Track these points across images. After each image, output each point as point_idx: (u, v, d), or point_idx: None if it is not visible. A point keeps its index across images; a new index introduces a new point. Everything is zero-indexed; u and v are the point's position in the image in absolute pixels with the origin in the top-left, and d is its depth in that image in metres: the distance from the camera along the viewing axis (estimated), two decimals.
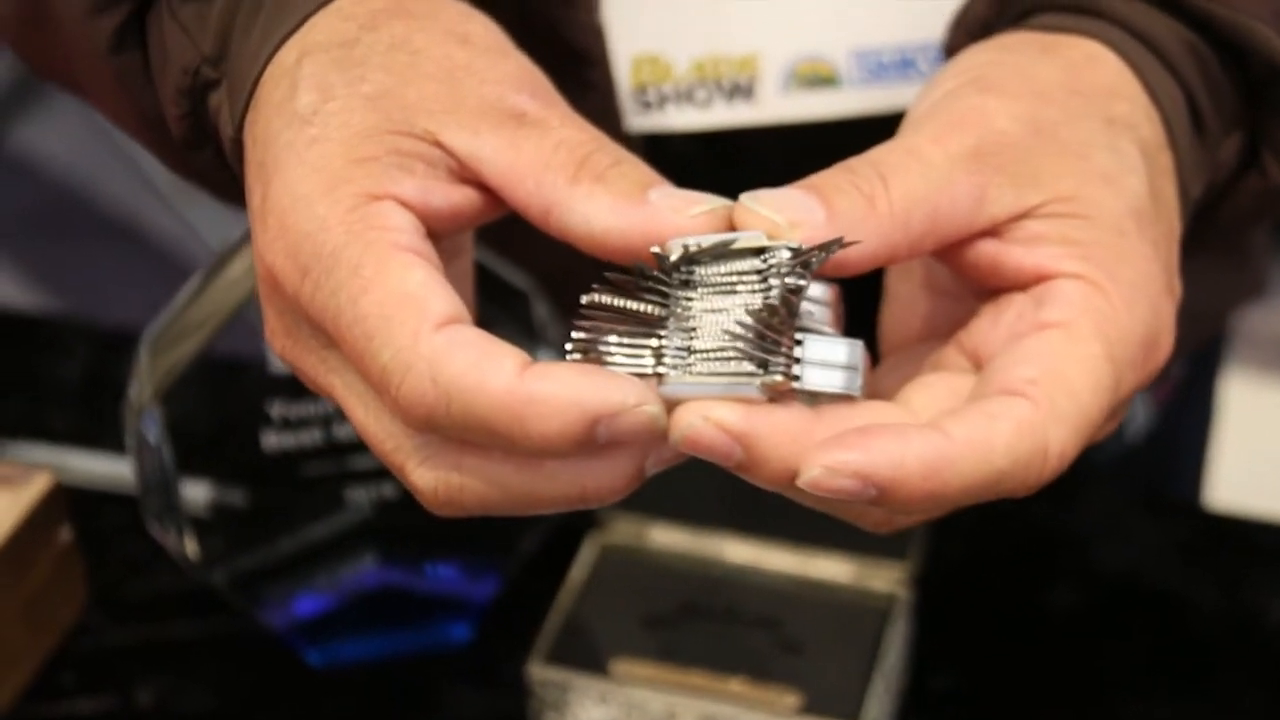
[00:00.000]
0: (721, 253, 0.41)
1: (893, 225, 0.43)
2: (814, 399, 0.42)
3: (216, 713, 0.70)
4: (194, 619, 0.73)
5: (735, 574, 0.68)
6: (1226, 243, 0.53)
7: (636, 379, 0.40)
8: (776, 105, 0.60)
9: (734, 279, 0.41)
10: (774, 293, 0.41)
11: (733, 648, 0.66)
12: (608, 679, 0.65)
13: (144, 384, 0.64)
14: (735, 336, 0.40)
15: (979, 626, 0.73)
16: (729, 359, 0.41)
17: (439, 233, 0.44)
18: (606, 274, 0.42)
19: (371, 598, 0.69)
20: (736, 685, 0.65)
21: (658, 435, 0.41)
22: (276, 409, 0.65)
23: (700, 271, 0.42)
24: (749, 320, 0.40)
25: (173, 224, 1.77)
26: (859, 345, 0.42)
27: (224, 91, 0.48)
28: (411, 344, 0.40)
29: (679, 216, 0.42)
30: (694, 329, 0.41)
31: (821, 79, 0.60)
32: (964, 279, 0.47)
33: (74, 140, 2.04)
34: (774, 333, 0.40)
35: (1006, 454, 0.41)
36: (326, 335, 0.43)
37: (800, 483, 0.40)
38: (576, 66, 0.61)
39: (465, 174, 0.44)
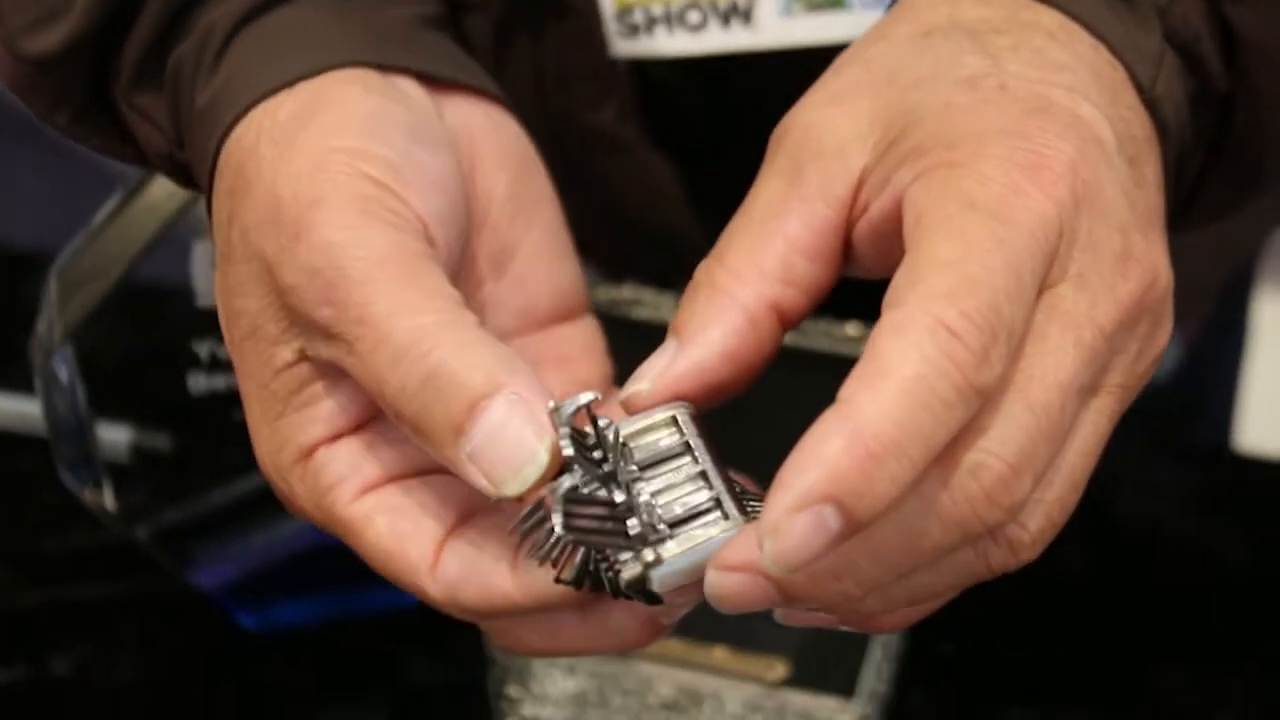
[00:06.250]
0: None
1: (749, 283, 0.44)
2: None
3: (140, 683, 0.70)
4: (115, 579, 0.72)
5: None
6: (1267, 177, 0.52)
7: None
8: (778, 29, 0.60)
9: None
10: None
11: (713, 612, 0.66)
12: None
13: (54, 318, 0.63)
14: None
15: (983, 587, 0.73)
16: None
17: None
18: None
19: (311, 555, 0.69)
20: (718, 654, 0.65)
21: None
22: (205, 348, 0.65)
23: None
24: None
25: None
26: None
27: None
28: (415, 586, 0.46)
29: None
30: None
31: None
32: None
33: None
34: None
35: (905, 359, 0.39)
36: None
37: (766, 565, 0.40)
38: None
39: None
